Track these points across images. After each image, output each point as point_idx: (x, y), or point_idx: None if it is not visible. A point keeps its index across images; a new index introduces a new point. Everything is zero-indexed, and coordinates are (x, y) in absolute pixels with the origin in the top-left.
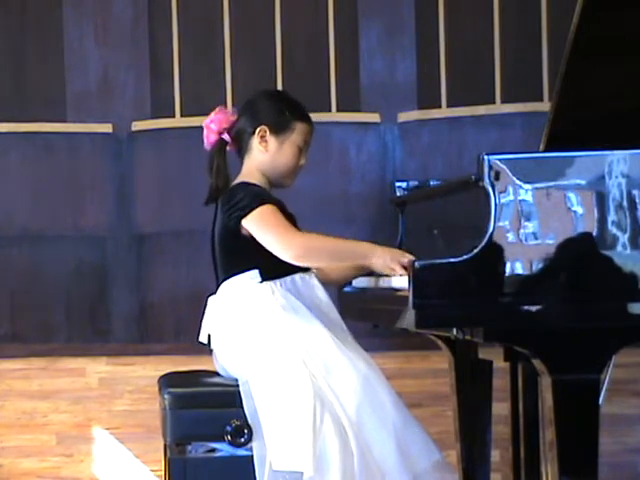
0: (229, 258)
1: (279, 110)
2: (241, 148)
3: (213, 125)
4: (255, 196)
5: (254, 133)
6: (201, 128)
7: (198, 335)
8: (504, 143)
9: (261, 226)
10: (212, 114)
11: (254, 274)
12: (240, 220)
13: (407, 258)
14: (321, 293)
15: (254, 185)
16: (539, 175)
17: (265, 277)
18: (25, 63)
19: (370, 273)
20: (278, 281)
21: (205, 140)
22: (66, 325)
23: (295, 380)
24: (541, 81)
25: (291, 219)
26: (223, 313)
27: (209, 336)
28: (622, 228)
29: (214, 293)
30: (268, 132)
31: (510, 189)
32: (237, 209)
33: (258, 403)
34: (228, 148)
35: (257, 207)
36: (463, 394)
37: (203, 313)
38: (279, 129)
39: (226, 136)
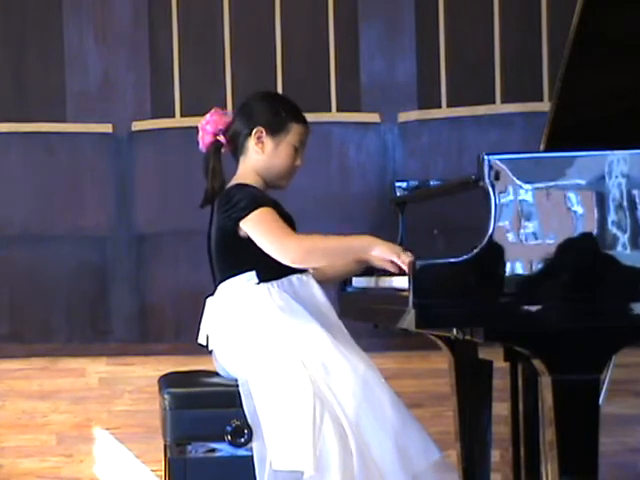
0: (226, 259)
1: (275, 111)
2: (236, 149)
3: (208, 127)
4: (253, 198)
5: (250, 134)
6: None
7: (197, 336)
8: (504, 143)
9: (259, 229)
10: (207, 116)
11: (251, 275)
12: (238, 221)
13: (405, 254)
14: (318, 293)
15: (250, 187)
16: (539, 175)
17: (262, 279)
18: (25, 63)
19: (368, 272)
20: (275, 282)
21: (200, 142)
22: (66, 325)
23: (295, 380)
24: (541, 81)
25: (289, 220)
26: (221, 314)
27: (207, 337)
28: (622, 228)
29: (212, 294)
30: (264, 133)
31: (510, 189)
32: (235, 210)
33: (258, 403)
34: (223, 150)
35: (255, 209)
36: (463, 394)
37: (202, 314)
38: (275, 130)
39: (221, 137)
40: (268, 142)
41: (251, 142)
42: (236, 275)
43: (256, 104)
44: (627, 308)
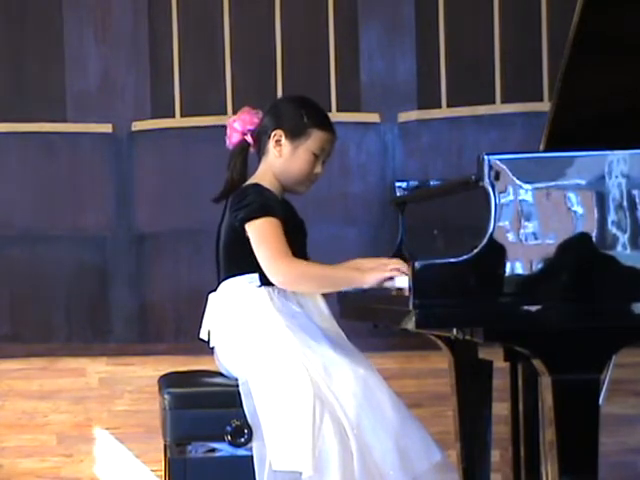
0: (231, 257)
1: (298, 115)
2: (260, 149)
3: (237, 125)
4: (264, 203)
5: (270, 136)
6: (201, 128)
7: (198, 334)
8: (504, 143)
9: (258, 239)
10: (238, 114)
11: (253, 277)
12: (244, 223)
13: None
14: (319, 300)
15: (266, 190)
16: (539, 175)
17: (264, 282)
18: (25, 63)
19: None
20: (277, 288)
21: (227, 140)
22: (66, 325)
23: (295, 380)
24: (541, 81)
25: (300, 227)
26: (223, 312)
27: (209, 333)
28: (622, 228)
29: (214, 290)
30: (283, 137)
31: (510, 189)
32: (244, 211)
33: (258, 403)
34: (251, 150)
35: (262, 216)
36: (463, 394)
37: (204, 311)
38: (295, 134)
39: (249, 137)
40: (286, 146)
41: (271, 144)
42: (239, 275)
43: (282, 106)
44: (627, 308)
